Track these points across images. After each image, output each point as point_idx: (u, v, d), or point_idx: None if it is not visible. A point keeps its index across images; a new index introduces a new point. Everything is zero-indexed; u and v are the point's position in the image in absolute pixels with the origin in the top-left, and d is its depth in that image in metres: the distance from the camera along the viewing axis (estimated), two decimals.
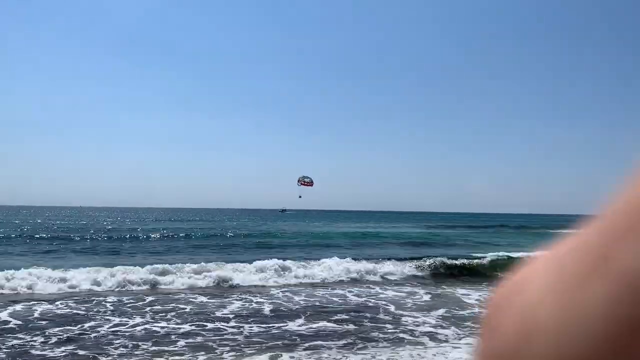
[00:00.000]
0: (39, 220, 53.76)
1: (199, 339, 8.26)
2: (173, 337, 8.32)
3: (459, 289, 13.83)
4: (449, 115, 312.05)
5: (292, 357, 7.40)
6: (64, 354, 7.38)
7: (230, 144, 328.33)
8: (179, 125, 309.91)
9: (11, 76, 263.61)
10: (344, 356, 7.47)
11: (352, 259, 17.75)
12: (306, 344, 8.03)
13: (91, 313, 9.92)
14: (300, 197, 55.09)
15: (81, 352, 7.42)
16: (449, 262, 17.94)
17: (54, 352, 7.43)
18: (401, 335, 8.70)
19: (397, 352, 7.67)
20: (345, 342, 8.21)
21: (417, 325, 9.40)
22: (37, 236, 29.44)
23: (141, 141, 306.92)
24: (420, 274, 16.70)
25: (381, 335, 8.62)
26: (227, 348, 7.78)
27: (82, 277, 13.04)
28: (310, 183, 53.62)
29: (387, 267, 16.90)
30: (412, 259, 18.58)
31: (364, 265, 16.62)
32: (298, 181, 53.49)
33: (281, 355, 7.44)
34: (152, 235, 31.45)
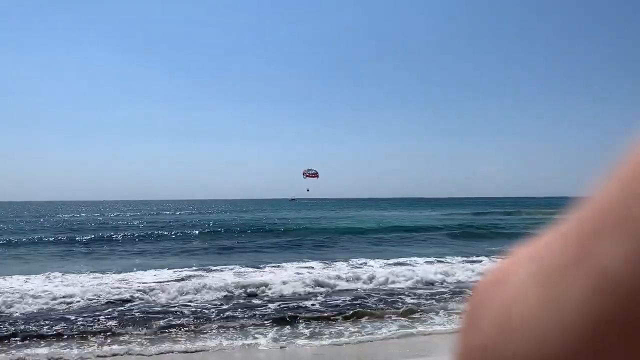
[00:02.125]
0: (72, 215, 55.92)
1: (228, 313, 10.19)
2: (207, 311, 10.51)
3: None
4: (456, 104, 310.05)
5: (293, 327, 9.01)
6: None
7: (239, 135, 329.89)
8: (188, 117, 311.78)
9: (13, 72, 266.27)
10: (340, 325, 9.00)
11: None
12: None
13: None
14: (308, 190, 56.89)
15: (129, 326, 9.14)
16: None
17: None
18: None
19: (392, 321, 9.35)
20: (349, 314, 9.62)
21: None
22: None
23: (147, 134, 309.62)
24: None
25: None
26: (254, 320, 9.49)
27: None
28: (316, 175, 54.99)
29: None
30: None
31: None
32: (303, 174, 54.96)
33: (283, 328, 8.87)
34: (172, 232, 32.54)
